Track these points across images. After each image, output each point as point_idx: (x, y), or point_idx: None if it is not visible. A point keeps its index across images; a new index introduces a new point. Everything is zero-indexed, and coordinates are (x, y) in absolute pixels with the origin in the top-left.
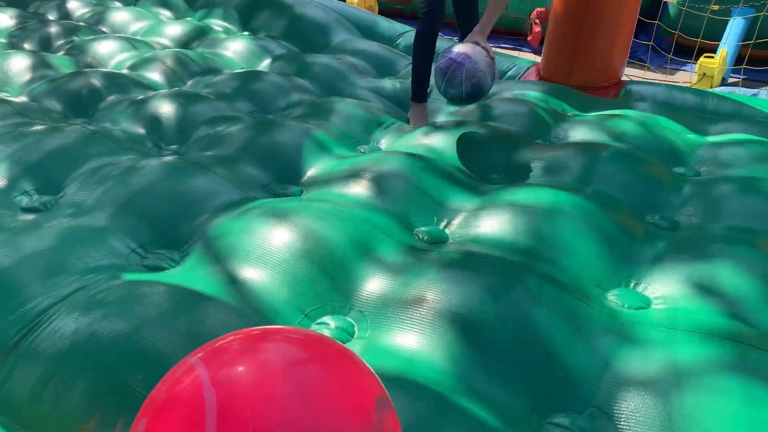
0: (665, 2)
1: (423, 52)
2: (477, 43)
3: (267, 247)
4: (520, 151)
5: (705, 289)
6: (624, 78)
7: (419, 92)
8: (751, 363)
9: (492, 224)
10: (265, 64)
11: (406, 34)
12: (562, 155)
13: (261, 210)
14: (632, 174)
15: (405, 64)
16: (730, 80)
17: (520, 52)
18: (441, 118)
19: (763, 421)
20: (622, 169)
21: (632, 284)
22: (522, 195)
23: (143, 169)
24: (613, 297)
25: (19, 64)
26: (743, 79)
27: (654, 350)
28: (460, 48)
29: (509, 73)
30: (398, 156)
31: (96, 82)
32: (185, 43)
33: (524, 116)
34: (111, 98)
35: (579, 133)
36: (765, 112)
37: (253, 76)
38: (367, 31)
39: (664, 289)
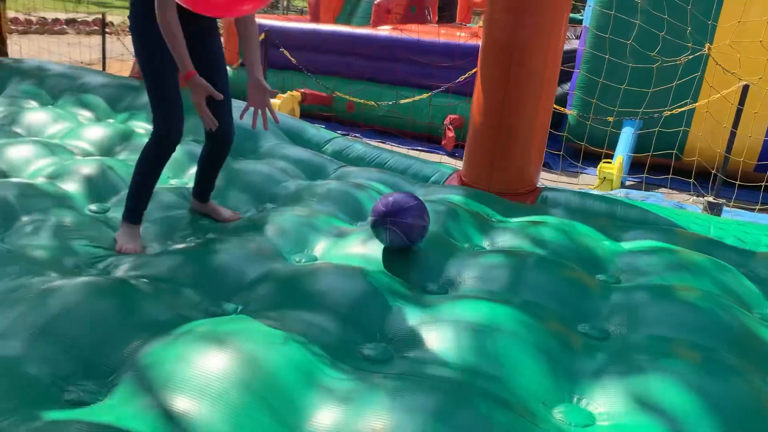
0: (565, 115)
1: (150, 171)
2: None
3: (206, 377)
4: (452, 259)
5: (645, 405)
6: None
7: (136, 213)
8: None
9: (436, 341)
10: (192, 172)
11: (333, 140)
12: (492, 263)
13: (198, 333)
14: (559, 282)
15: (334, 168)
16: (627, 183)
17: (436, 155)
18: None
19: None
20: (549, 277)
21: (575, 399)
22: (461, 309)
23: (61, 290)
24: (559, 415)
25: None
26: (638, 182)
27: None
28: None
29: (433, 178)
30: (335, 269)
31: (10, 194)
32: (108, 147)
33: (450, 220)
34: (27, 216)
35: (504, 240)
36: (667, 219)
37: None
38: (295, 137)
39: (607, 404)
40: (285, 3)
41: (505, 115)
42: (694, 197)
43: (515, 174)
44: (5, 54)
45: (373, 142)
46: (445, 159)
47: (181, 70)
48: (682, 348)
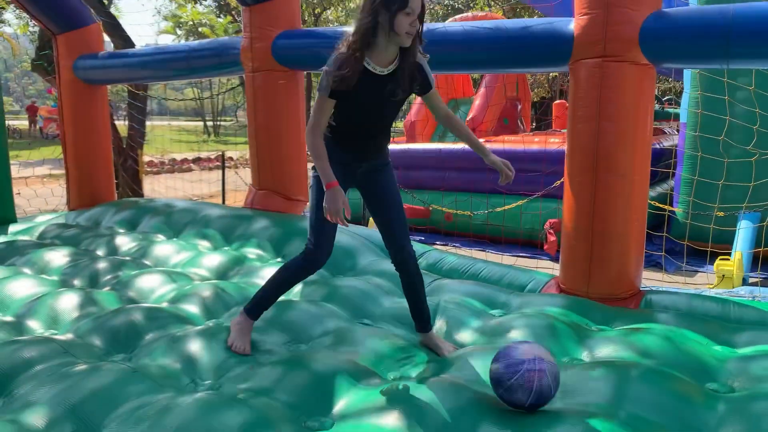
0: (671, 214)
1: (288, 279)
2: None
3: None
4: None
5: None
6: (645, 283)
7: (257, 310)
8: None
9: None
10: (297, 290)
11: (427, 253)
12: (591, 376)
13: None
14: (665, 394)
15: (427, 282)
16: (751, 280)
17: (538, 261)
18: (467, 338)
19: None
20: (654, 389)
21: None
22: (560, 426)
23: (178, 408)
24: None
25: (68, 302)
26: (763, 278)
27: None
28: (529, 350)
29: (528, 287)
30: (431, 386)
31: (137, 317)
32: (223, 272)
33: (548, 336)
34: (150, 335)
35: (604, 350)
36: None
37: (286, 305)
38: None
39: None
40: None
41: (597, 219)
42: None
43: (614, 278)
44: (141, 194)
45: (472, 251)
46: (547, 264)
47: (323, 180)
48: None
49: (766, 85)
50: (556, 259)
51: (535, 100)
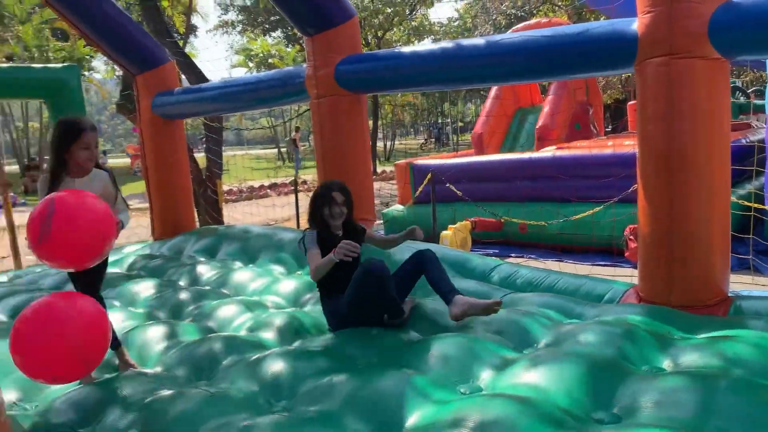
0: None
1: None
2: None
3: None
4: (626, 384)
5: None
6: (734, 288)
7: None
8: None
9: None
10: None
11: (498, 267)
12: (674, 387)
13: None
14: (756, 406)
15: (500, 297)
16: None
17: (617, 268)
18: (543, 341)
19: None
20: (744, 400)
21: None
22: None
23: (256, 428)
24: None
25: (155, 335)
26: None
27: None
28: None
29: (606, 297)
30: (499, 401)
31: (216, 346)
32: (296, 299)
33: (625, 341)
34: (228, 360)
35: (689, 359)
36: None
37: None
38: (459, 269)
39: None
40: (449, 140)
41: (676, 223)
42: None
43: (698, 284)
44: (221, 222)
45: (548, 262)
46: (627, 272)
47: (329, 264)
48: None
49: None
50: (637, 266)
51: (608, 102)
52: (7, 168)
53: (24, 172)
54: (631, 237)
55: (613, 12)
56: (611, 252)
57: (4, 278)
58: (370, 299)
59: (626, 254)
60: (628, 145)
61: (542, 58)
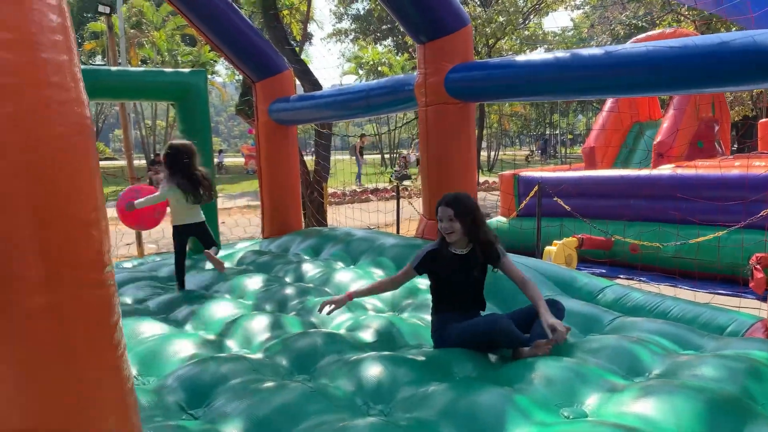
0: None
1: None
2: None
3: None
4: (750, 426)
5: None
6: None
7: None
8: None
9: None
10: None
11: (608, 288)
12: None
13: None
14: None
15: (609, 320)
16: None
17: (741, 299)
18: (655, 371)
19: None
20: None
21: None
22: None
23: (353, 430)
24: None
25: (260, 325)
26: None
27: None
28: None
29: (729, 329)
30: (604, 429)
31: (317, 341)
32: (396, 303)
33: (750, 379)
34: (329, 357)
35: None
36: None
37: None
38: (565, 287)
39: None
40: (556, 152)
41: None
42: None
43: None
44: (325, 224)
45: (662, 286)
46: (752, 303)
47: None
48: None
49: None
50: (763, 299)
51: (736, 119)
52: (135, 162)
53: (149, 166)
54: (758, 267)
55: (752, 23)
56: (733, 281)
57: (129, 264)
58: (489, 342)
59: (751, 284)
60: (758, 166)
61: (668, 70)
